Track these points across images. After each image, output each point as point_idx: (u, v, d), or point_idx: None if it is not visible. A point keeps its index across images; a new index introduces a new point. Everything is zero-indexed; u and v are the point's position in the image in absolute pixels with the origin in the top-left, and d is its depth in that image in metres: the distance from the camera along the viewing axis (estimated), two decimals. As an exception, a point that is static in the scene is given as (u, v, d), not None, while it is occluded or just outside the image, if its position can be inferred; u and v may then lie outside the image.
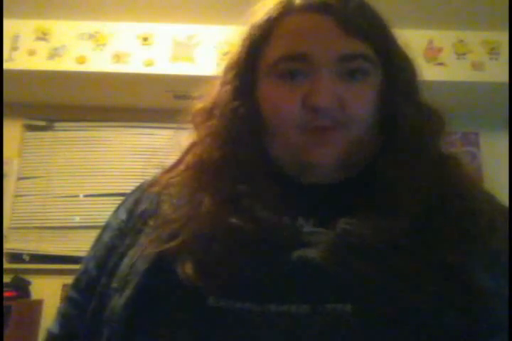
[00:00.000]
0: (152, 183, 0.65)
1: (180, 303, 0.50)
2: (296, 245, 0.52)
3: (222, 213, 0.54)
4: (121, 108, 3.43)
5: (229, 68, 0.63)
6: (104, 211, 3.12)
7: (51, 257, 3.21)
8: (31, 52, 2.98)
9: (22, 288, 3.02)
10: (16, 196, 3.33)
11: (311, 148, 0.57)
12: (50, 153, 3.45)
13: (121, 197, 0.70)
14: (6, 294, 2.81)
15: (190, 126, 0.64)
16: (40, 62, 2.97)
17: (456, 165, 0.60)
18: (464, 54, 3.05)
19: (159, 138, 3.38)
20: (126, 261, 0.56)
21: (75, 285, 0.64)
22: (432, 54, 2.99)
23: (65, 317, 0.63)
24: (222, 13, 2.77)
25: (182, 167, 0.63)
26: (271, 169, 0.59)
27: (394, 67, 0.60)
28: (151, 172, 0.71)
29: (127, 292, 0.52)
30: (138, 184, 0.71)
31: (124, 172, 3.32)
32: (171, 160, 0.66)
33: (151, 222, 0.59)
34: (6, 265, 3.12)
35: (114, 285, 0.55)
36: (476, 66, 3.03)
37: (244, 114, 0.60)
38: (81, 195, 3.38)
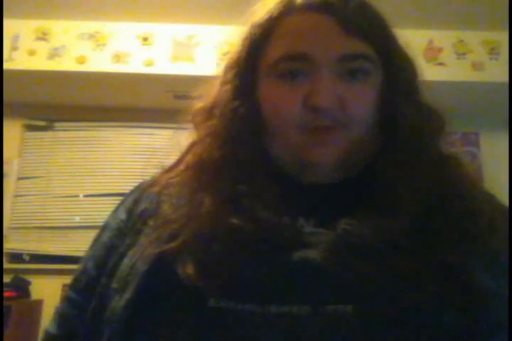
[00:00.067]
0: (152, 183, 0.65)
1: (181, 304, 0.50)
2: (296, 246, 0.52)
3: (222, 213, 0.54)
4: (121, 108, 3.43)
5: (229, 67, 0.63)
6: (104, 211, 3.12)
7: (51, 257, 3.21)
8: (31, 52, 2.98)
9: (22, 288, 3.02)
10: (16, 196, 3.33)
11: (311, 148, 0.57)
12: (50, 153, 3.44)
13: (121, 197, 0.70)
14: (6, 294, 2.81)
15: (190, 125, 0.64)
16: (40, 62, 2.97)
17: (457, 165, 0.60)
18: (464, 54, 3.05)
19: (159, 138, 3.38)
20: (126, 262, 0.56)
21: (74, 286, 0.64)
22: (432, 54, 2.99)
23: (63, 318, 0.63)
24: (222, 13, 2.77)
25: (182, 167, 0.63)
26: (271, 169, 0.59)
27: (394, 67, 0.60)
28: (151, 172, 0.70)
29: (127, 293, 0.52)
30: (137, 184, 0.71)
31: (124, 172, 3.32)
32: (171, 160, 0.66)
33: (150, 222, 0.59)
34: (6, 265, 3.12)
35: (114, 285, 0.55)
36: (476, 66, 3.03)
37: (245, 114, 0.60)
38: (81, 195, 3.37)
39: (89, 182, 3.37)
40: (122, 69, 2.98)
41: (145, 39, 3.04)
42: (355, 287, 0.48)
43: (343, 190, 0.58)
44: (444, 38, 3.04)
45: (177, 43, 3.04)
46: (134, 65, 2.99)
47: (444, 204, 0.54)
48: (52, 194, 3.37)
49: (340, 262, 0.49)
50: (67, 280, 0.68)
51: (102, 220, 0.68)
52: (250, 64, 0.61)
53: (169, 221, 0.56)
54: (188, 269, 0.50)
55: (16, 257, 3.24)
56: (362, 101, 0.57)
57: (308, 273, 0.49)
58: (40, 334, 0.69)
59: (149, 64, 2.99)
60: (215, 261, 0.50)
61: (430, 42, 3.00)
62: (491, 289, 0.48)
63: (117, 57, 3.00)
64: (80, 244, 3.16)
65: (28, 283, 3.08)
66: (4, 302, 2.53)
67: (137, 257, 0.55)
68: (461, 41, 3.06)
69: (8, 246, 3.21)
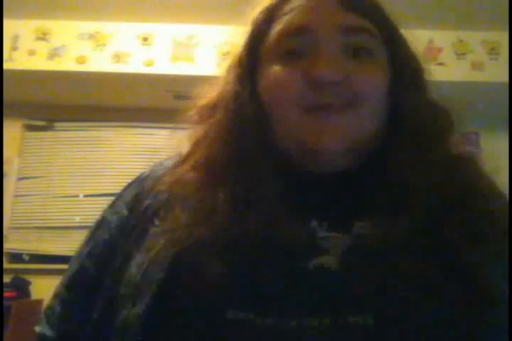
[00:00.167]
0: (155, 179, 0.61)
1: (198, 314, 0.47)
2: (311, 252, 0.49)
3: (236, 219, 0.51)
4: (121, 108, 3.43)
5: (232, 66, 0.61)
6: (104, 211, 3.12)
7: (51, 257, 3.21)
8: (31, 52, 2.98)
9: (22, 288, 3.02)
10: (16, 196, 3.33)
11: (313, 133, 0.52)
12: (50, 153, 3.45)
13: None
14: (6, 294, 2.81)
15: (194, 122, 0.61)
16: (40, 62, 2.97)
17: (470, 164, 0.58)
18: (464, 54, 3.05)
19: (159, 138, 3.38)
20: (134, 266, 0.53)
21: (70, 286, 0.60)
22: (432, 54, 2.99)
23: (59, 320, 0.59)
24: (222, 13, 2.77)
25: (188, 164, 0.58)
26: (278, 162, 0.55)
27: (399, 56, 0.57)
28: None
29: (143, 301, 0.49)
30: (135, 177, 0.66)
31: (124, 172, 3.32)
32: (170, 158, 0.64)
33: (157, 222, 0.55)
34: (6, 265, 3.12)
35: (124, 291, 0.52)
36: (476, 66, 3.03)
37: (247, 104, 0.56)
38: (81, 195, 3.38)
39: (89, 182, 3.37)
40: (122, 69, 2.98)
41: (145, 39, 3.04)
42: (374, 296, 0.46)
43: (352, 180, 0.55)
44: (444, 37, 3.05)
45: (177, 43, 3.04)
46: (134, 65, 2.99)
47: (457, 203, 0.52)
48: (53, 194, 3.37)
49: (358, 270, 0.47)
50: (67, 280, 0.65)
51: (102, 220, 0.65)
52: (253, 56, 0.59)
53: (181, 225, 0.52)
54: (205, 280, 0.48)
55: (16, 257, 3.24)
56: (371, 77, 0.54)
57: (325, 283, 0.47)
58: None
59: (149, 64, 2.99)
60: (232, 272, 0.48)
61: (430, 42, 3.00)
62: (505, 292, 0.47)
63: (117, 57, 3.00)
64: (79, 244, 3.16)
65: (28, 283, 3.08)
66: (4, 302, 2.53)
67: (148, 262, 0.51)
68: (461, 41, 3.07)
69: (8, 246, 3.22)
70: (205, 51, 3.01)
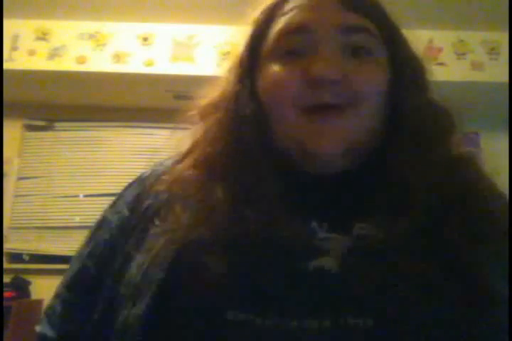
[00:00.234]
0: (156, 178, 0.61)
1: (198, 315, 0.47)
2: (311, 253, 0.49)
3: (237, 219, 0.50)
4: (121, 108, 3.43)
5: (233, 66, 0.61)
6: (104, 211, 3.12)
7: (51, 257, 3.21)
8: (31, 52, 2.98)
9: (22, 288, 3.02)
10: (16, 196, 3.33)
11: (311, 135, 0.52)
12: (50, 153, 3.45)
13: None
14: (6, 294, 2.81)
15: (195, 121, 0.61)
16: (40, 62, 2.98)
17: (471, 164, 0.57)
18: (464, 54, 3.05)
19: (159, 138, 3.38)
20: (134, 266, 0.53)
21: (70, 286, 0.60)
22: (432, 54, 2.99)
23: (60, 319, 0.59)
24: (222, 13, 2.77)
25: (188, 163, 0.58)
26: (278, 162, 0.55)
27: (400, 57, 0.57)
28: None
29: (143, 302, 0.49)
30: (136, 177, 0.66)
31: (124, 172, 3.32)
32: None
33: (157, 222, 0.55)
34: (6, 265, 3.12)
35: (124, 291, 0.52)
36: (476, 66, 3.03)
37: (246, 103, 0.56)
38: (81, 195, 3.38)
39: (89, 182, 3.37)
40: (122, 69, 2.98)
41: (145, 39, 3.04)
42: (374, 297, 0.46)
43: (352, 181, 0.55)
44: (444, 37, 3.05)
45: (177, 43, 3.04)
46: (134, 65, 2.99)
47: (456, 203, 0.52)
48: (53, 194, 3.37)
49: (357, 270, 0.47)
50: (68, 280, 0.65)
51: (102, 220, 0.65)
52: (253, 56, 0.59)
53: (181, 225, 0.52)
54: (205, 280, 0.48)
55: (16, 257, 3.24)
56: (371, 76, 0.53)
57: (325, 284, 0.47)
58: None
59: (149, 64, 2.99)
60: (232, 273, 0.48)
61: (430, 42, 3.00)
62: (505, 291, 0.47)
63: (117, 57, 3.00)
64: (79, 244, 3.16)
65: (28, 283, 3.08)
66: (4, 302, 2.53)
67: (148, 263, 0.51)
68: (461, 41, 3.07)
69: (8, 246, 3.22)
70: (205, 51, 3.01)
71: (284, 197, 0.52)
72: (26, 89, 3.18)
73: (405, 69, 0.57)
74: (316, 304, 0.46)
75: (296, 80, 0.53)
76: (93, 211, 3.23)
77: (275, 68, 0.55)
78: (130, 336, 0.48)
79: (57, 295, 0.61)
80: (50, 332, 0.58)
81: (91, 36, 3.02)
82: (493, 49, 3.05)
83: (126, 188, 0.65)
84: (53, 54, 2.98)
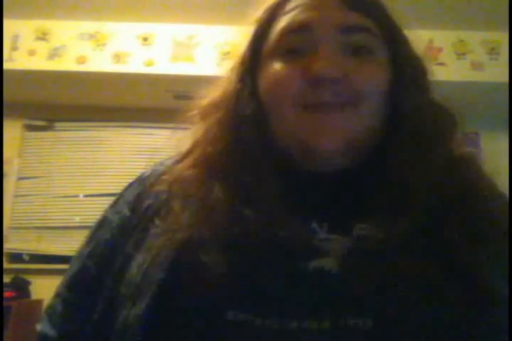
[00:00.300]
0: (157, 178, 0.61)
1: (198, 315, 0.47)
2: (311, 254, 0.49)
3: (236, 219, 0.50)
4: (121, 108, 3.43)
5: (235, 66, 0.61)
6: (104, 211, 3.12)
7: (51, 257, 3.21)
8: (31, 52, 2.98)
9: (22, 288, 3.02)
10: (16, 196, 3.34)
11: (312, 134, 0.52)
12: (50, 153, 3.45)
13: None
14: (6, 294, 2.81)
15: (196, 120, 0.61)
16: (40, 62, 2.98)
17: (470, 165, 0.57)
18: (464, 54, 3.05)
19: (159, 138, 3.38)
20: (135, 266, 0.53)
21: (71, 286, 0.60)
22: (432, 54, 2.99)
23: (61, 319, 0.59)
24: (222, 13, 2.77)
25: (188, 163, 0.58)
26: (279, 161, 0.55)
27: (401, 57, 0.57)
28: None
29: (143, 302, 0.49)
30: (136, 177, 0.66)
31: (124, 172, 3.32)
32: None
33: (157, 221, 0.55)
34: (6, 265, 3.12)
35: (124, 291, 0.52)
36: (476, 66, 3.03)
37: (247, 102, 0.57)
38: (81, 195, 3.38)
39: (89, 182, 3.37)
40: (122, 69, 2.98)
41: (145, 39, 3.04)
42: (374, 299, 0.46)
43: (352, 180, 0.55)
44: (444, 38, 3.05)
45: (177, 43, 3.04)
46: (134, 65, 2.99)
47: (456, 203, 0.52)
48: (53, 194, 3.37)
49: (357, 271, 0.47)
50: (68, 280, 0.65)
51: (102, 220, 0.65)
52: (255, 56, 0.59)
53: (181, 225, 0.52)
54: (205, 280, 0.48)
55: (16, 257, 3.24)
56: (371, 75, 0.54)
57: (325, 284, 0.47)
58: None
59: (149, 64, 2.99)
60: (232, 273, 0.48)
61: (430, 42, 3.00)
62: (505, 291, 0.47)
63: (117, 57, 3.00)
64: (79, 244, 3.16)
65: (28, 283, 3.08)
66: (4, 302, 2.53)
67: (148, 262, 0.51)
68: (461, 41, 3.07)
69: (8, 246, 3.22)
70: (205, 51, 3.01)
71: (284, 197, 0.52)
72: (26, 89, 3.18)
73: (406, 69, 0.57)
74: (315, 304, 0.46)
75: (297, 79, 0.53)
76: (93, 211, 3.24)
77: (276, 67, 0.55)
78: (130, 336, 0.48)
79: (57, 295, 0.61)
80: (50, 332, 0.58)
81: (91, 36, 3.02)
82: (493, 49, 3.05)
83: (127, 188, 0.65)
84: (53, 54, 2.99)
